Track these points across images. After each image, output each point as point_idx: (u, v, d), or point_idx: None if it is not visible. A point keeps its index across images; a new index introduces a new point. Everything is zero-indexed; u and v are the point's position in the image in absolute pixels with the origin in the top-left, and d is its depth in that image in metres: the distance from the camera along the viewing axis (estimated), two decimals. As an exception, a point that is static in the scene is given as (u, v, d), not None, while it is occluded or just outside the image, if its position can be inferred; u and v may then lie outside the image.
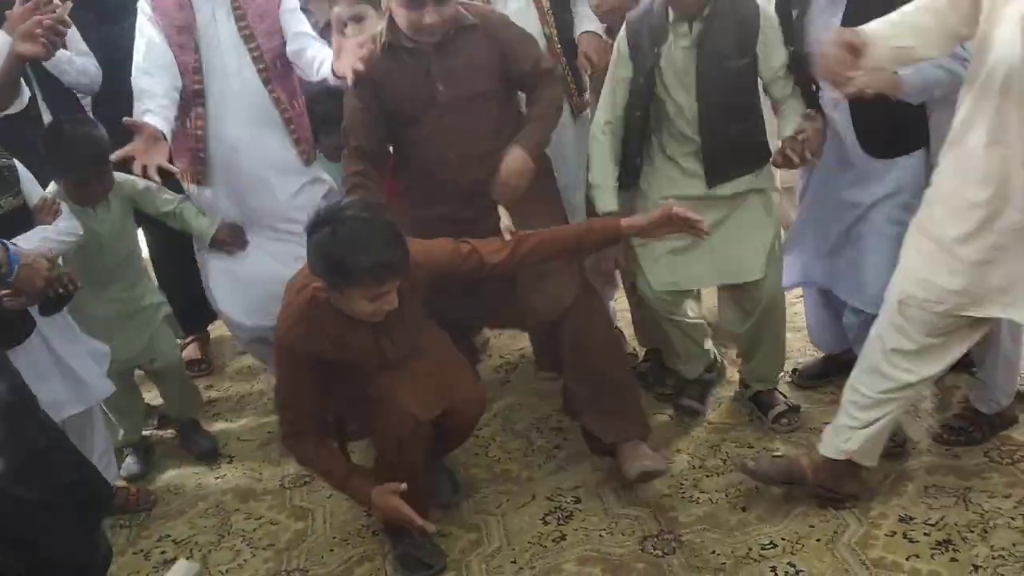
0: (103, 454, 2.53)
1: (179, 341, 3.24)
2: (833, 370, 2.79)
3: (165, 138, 2.39)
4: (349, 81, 2.32)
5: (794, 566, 2.14)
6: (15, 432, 1.76)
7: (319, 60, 2.53)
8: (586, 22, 2.75)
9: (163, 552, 2.51)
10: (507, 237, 2.23)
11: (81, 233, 2.40)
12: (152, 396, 3.05)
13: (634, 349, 3.15)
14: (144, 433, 2.96)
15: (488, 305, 2.50)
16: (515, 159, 2.33)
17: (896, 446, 2.42)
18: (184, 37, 2.56)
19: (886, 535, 2.20)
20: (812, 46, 2.22)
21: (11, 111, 2.45)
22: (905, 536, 2.18)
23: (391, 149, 2.56)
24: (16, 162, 2.25)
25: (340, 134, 2.84)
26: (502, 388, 3.10)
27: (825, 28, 2.16)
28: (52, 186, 2.53)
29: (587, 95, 2.87)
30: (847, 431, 2.21)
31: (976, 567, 2.06)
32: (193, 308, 3.22)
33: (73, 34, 2.64)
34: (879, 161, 2.32)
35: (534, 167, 2.36)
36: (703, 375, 2.83)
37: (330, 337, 2.10)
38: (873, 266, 2.34)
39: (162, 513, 2.68)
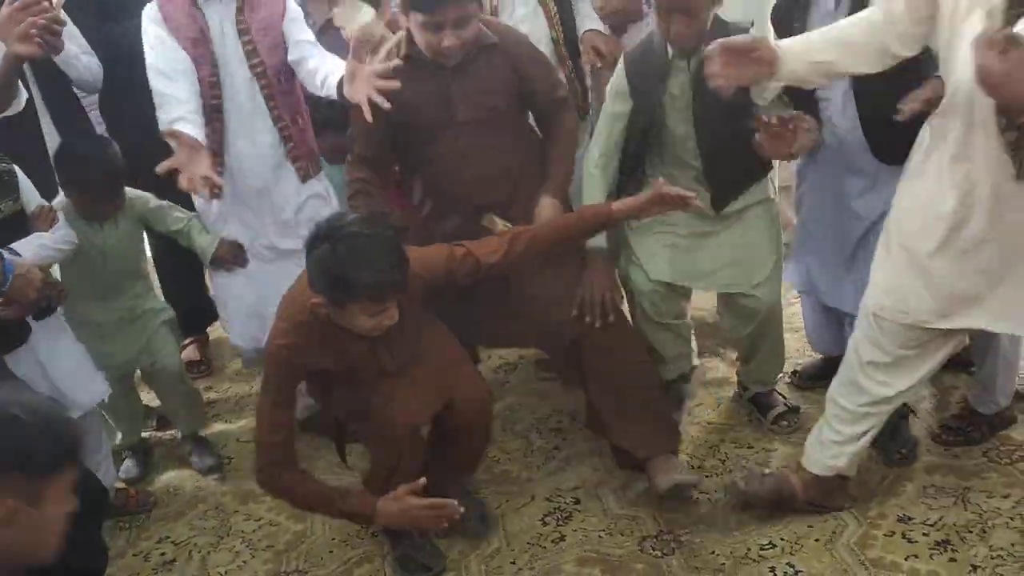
0: (102, 458, 2.53)
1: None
2: (832, 372, 2.76)
3: (203, 146, 2.39)
4: (366, 113, 2.20)
5: (793, 566, 2.15)
6: None
7: (323, 73, 2.46)
8: (588, 21, 2.79)
9: (163, 554, 2.51)
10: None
11: (76, 242, 2.40)
12: (151, 398, 3.05)
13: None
14: (143, 435, 2.96)
15: (504, 324, 2.45)
16: (547, 209, 2.32)
17: (906, 451, 2.43)
18: (200, 50, 2.52)
19: (885, 535, 2.20)
20: None
21: (8, 113, 2.45)
22: (904, 536, 2.19)
23: (397, 165, 2.55)
24: (16, 167, 2.25)
25: (338, 136, 2.86)
26: (501, 389, 3.10)
27: None
28: (60, 197, 2.53)
29: (591, 96, 2.88)
30: (833, 447, 2.20)
31: (975, 567, 2.06)
32: (193, 310, 3.22)
33: (74, 33, 2.64)
34: (890, 167, 2.30)
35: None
36: (679, 382, 2.81)
37: (327, 348, 2.07)
38: None
39: (161, 515, 2.68)
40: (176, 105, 2.46)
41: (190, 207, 2.79)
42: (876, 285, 2.08)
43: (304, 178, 2.71)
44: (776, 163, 3.08)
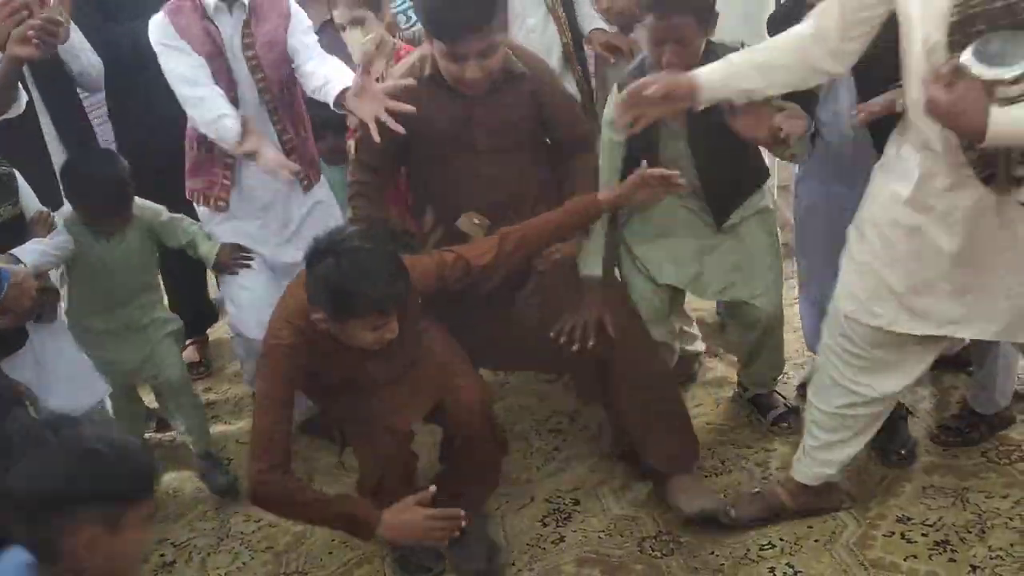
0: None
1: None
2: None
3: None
4: (373, 133, 2.16)
5: (792, 567, 2.15)
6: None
7: (321, 77, 2.42)
8: (592, 21, 2.85)
9: (162, 555, 2.51)
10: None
11: (73, 248, 2.40)
12: (151, 399, 3.05)
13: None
14: (144, 436, 2.96)
15: (531, 351, 2.41)
16: (564, 247, 2.29)
17: (905, 451, 2.42)
18: (216, 64, 2.49)
19: (884, 535, 2.20)
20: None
21: (9, 115, 2.45)
22: (903, 536, 2.19)
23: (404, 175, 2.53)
24: (15, 171, 2.25)
25: (337, 138, 2.86)
26: (501, 390, 3.10)
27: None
28: (66, 207, 2.51)
29: (595, 97, 2.93)
30: (817, 453, 2.21)
31: (974, 567, 2.06)
32: (194, 312, 3.22)
33: (75, 34, 2.64)
34: None
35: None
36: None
37: (323, 356, 2.05)
38: None
39: (161, 516, 2.67)
40: (213, 101, 2.44)
41: (190, 213, 2.76)
42: (845, 286, 2.08)
43: (307, 188, 2.70)
44: (775, 168, 3.09)
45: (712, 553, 2.23)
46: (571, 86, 2.81)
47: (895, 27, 1.79)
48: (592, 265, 2.41)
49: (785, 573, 2.13)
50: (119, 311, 2.63)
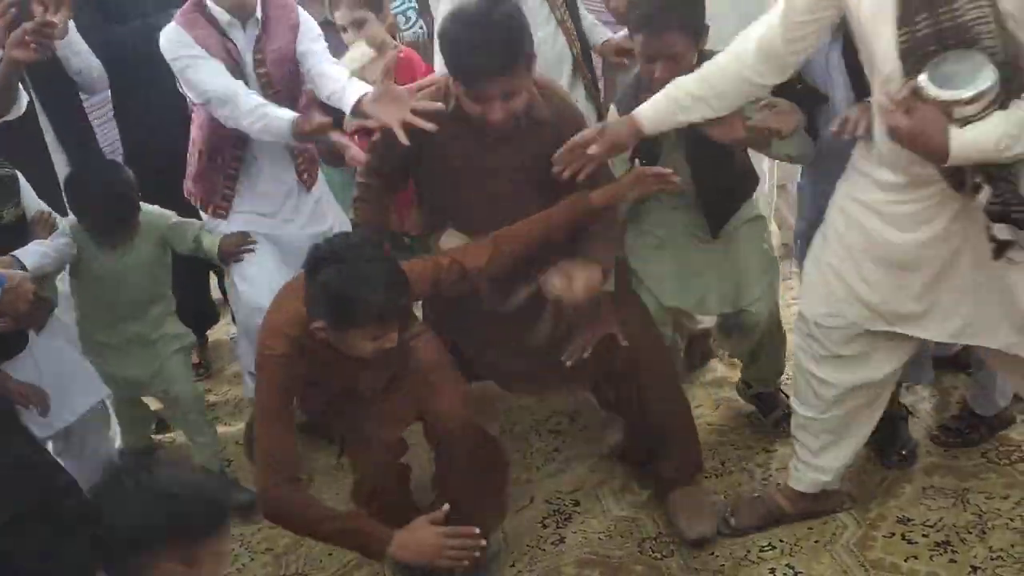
0: (104, 459, 2.52)
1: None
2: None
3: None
4: (400, 136, 2.13)
5: (792, 568, 2.15)
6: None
7: (335, 82, 2.42)
8: (599, 32, 2.90)
9: (162, 556, 2.51)
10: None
11: (75, 251, 2.39)
12: (151, 400, 3.05)
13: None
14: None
15: (551, 371, 2.36)
16: (582, 277, 2.19)
17: (905, 452, 2.43)
18: (235, 77, 2.47)
19: (884, 536, 2.20)
20: (815, 80, 2.19)
21: (9, 118, 2.45)
22: (903, 537, 2.19)
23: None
24: (17, 172, 2.25)
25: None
26: (501, 390, 3.10)
27: (827, 60, 2.13)
28: (70, 217, 2.49)
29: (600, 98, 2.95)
30: (810, 458, 2.21)
31: (974, 568, 2.06)
32: (195, 314, 3.22)
33: (73, 36, 2.63)
34: None
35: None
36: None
37: (322, 368, 2.03)
38: None
39: (161, 517, 2.67)
40: (248, 92, 2.41)
41: (191, 214, 2.75)
42: (809, 289, 2.10)
43: (309, 187, 2.71)
44: (772, 167, 3.09)
45: (712, 554, 2.23)
46: (581, 93, 2.82)
47: None
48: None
49: (785, 574, 2.13)
50: (125, 325, 2.59)
